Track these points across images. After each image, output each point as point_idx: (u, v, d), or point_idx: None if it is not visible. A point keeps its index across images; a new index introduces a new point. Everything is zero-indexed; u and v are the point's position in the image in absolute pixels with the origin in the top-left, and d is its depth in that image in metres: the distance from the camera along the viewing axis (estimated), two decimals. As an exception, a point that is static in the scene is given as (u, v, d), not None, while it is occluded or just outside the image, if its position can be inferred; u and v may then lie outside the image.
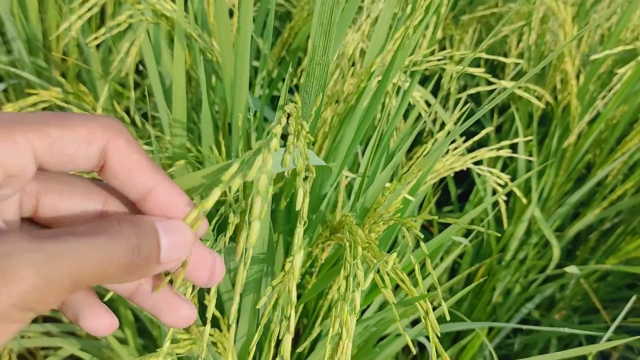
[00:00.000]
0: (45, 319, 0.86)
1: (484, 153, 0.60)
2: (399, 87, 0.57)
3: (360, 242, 0.40)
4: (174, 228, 0.26)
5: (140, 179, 0.26)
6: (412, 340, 0.96)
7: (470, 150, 0.74)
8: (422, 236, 0.42)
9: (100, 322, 0.27)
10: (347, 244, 0.43)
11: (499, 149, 0.62)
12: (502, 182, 0.65)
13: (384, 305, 0.78)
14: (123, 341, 0.80)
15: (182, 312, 0.29)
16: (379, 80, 0.54)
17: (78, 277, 0.22)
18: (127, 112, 0.94)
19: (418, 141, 1.07)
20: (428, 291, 0.68)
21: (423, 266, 0.91)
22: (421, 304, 0.45)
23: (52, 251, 0.22)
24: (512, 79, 1.04)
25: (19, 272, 0.20)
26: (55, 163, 0.24)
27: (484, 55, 0.60)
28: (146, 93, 0.54)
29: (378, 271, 0.42)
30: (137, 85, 0.99)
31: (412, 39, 0.51)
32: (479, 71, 0.61)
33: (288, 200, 0.60)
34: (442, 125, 1.01)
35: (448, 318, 0.40)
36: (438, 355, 0.45)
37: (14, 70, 0.82)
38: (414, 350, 0.42)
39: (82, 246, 0.22)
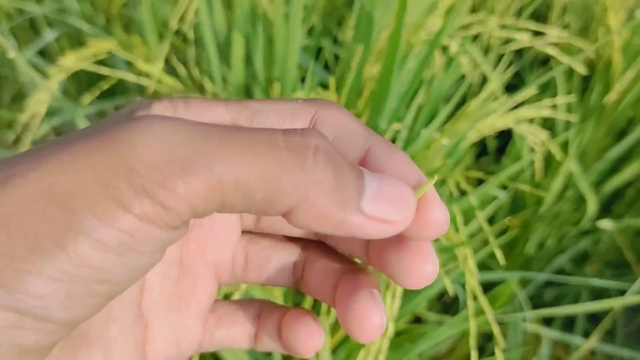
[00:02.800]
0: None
1: (525, 112, 0.61)
2: (445, 48, 0.58)
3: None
4: (387, 178, 0.19)
5: (354, 142, 0.21)
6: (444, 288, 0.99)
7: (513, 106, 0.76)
8: (469, 190, 0.44)
9: (309, 340, 0.23)
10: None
11: (540, 108, 0.63)
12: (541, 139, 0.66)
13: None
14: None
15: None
16: (426, 41, 0.56)
17: (223, 173, 0.16)
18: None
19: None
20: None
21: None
22: (461, 250, 0.48)
23: (191, 126, 0.17)
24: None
25: (133, 138, 0.16)
26: None
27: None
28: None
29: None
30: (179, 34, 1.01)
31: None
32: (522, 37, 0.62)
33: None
34: (484, 79, 1.01)
35: (502, 261, 0.43)
36: (474, 298, 0.49)
37: (76, 23, 0.85)
38: (451, 292, 0.45)
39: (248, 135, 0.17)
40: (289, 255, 0.25)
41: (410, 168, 0.20)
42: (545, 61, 1.19)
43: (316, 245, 0.25)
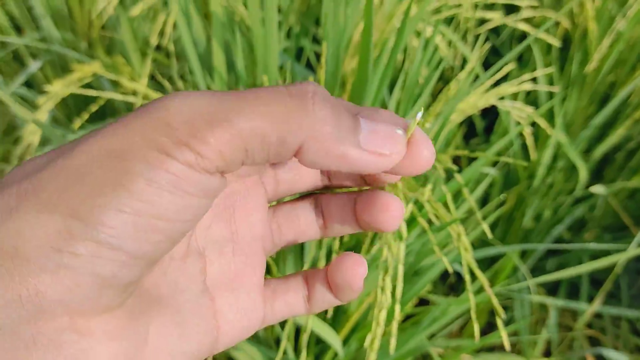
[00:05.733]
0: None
1: (506, 89, 0.63)
2: (420, 33, 0.60)
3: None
4: (379, 122, 0.22)
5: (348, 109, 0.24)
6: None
7: (494, 83, 0.77)
8: (456, 168, 0.46)
9: (355, 269, 0.26)
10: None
11: (520, 82, 0.65)
12: (526, 114, 0.68)
13: (419, 238, 0.82)
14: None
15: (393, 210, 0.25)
16: (398, 29, 0.57)
17: (241, 123, 0.20)
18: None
19: (441, 78, 1.09)
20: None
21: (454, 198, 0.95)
22: (454, 228, 0.49)
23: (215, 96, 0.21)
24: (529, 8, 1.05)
25: (167, 103, 0.20)
26: None
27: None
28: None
29: (415, 203, 0.46)
30: (160, 49, 1.02)
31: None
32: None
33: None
34: (464, 60, 1.03)
35: (490, 236, 0.44)
36: (473, 277, 0.50)
37: (58, 49, 0.86)
38: (450, 269, 0.47)
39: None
40: (310, 207, 0.28)
41: (396, 117, 0.23)
42: (523, 37, 1.20)
43: (326, 192, 0.29)
